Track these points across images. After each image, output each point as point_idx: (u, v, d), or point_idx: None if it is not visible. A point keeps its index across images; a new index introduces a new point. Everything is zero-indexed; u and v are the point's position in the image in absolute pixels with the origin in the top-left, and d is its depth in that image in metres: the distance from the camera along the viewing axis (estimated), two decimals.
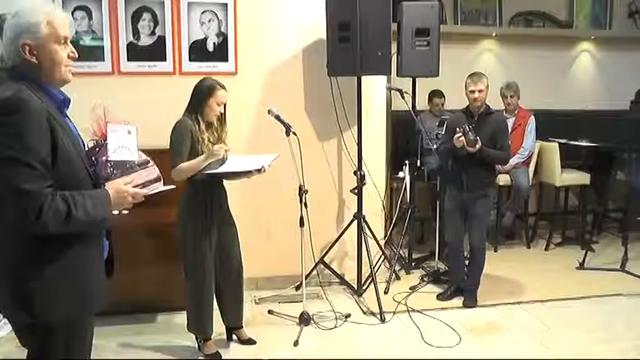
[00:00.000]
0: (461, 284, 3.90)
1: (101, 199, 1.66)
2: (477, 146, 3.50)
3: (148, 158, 1.83)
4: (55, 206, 1.54)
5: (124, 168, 1.77)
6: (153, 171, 1.83)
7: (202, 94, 2.94)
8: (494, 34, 5.73)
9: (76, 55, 1.72)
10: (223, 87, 2.98)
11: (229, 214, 3.13)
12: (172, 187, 1.90)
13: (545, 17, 5.89)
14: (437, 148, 4.05)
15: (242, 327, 3.29)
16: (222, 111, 3.01)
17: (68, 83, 1.73)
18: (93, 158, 1.76)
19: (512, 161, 4.92)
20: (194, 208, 2.97)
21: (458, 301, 3.84)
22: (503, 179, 4.94)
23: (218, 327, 3.22)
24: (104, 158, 1.77)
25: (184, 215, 2.99)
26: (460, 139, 3.50)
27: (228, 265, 3.13)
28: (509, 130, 4.93)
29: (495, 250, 4.99)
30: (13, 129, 1.50)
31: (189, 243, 2.98)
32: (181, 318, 3.23)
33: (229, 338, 3.30)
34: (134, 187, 1.76)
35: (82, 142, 1.80)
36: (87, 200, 1.61)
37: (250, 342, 3.26)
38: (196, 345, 3.17)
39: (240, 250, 3.18)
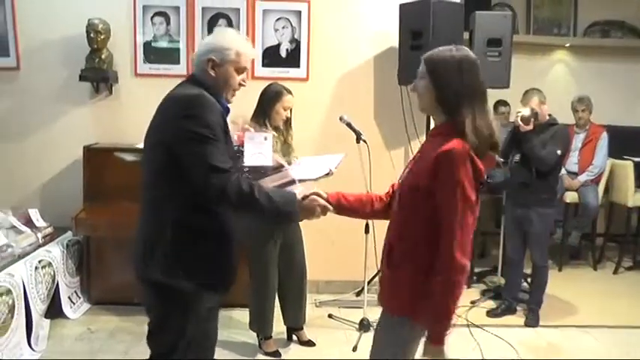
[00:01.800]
0: (514, 303, 3.83)
1: (285, 196, 1.90)
2: (529, 127, 3.48)
3: (283, 162, 1.98)
4: (239, 185, 1.77)
5: (259, 173, 1.93)
6: (287, 174, 1.98)
7: (269, 99, 3.02)
8: (567, 45, 5.57)
9: (246, 85, 1.99)
10: (290, 92, 3.04)
11: None
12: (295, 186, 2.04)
13: (624, 27, 5.65)
14: (504, 162, 3.99)
15: (303, 328, 3.35)
16: (289, 115, 3.08)
17: (229, 103, 2.00)
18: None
19: (581, 178, 4.78)
20: None
21: (517, 319, 3.76)
22: (570, 197, 4.79)
23: (279, 326, 3.31)
24: (243, 165, 1.97)
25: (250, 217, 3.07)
26: (518, 114, 3.53)
27: (292, 267, 3.19)
28: (580, 145, 4.84)
29: (560, 270, 4.84)
30: (201, 120, 1.78)
31: (253, 244, 3.06)
32: (242, 315, 3.34)
33: (289, 338, 3.36)
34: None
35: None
36: (271, 189, 1.85)
37: (310, 344, 3.32)
38: (257, 342, 3.25)
39: (304, 253, 3.24)
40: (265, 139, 2.02)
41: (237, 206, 1.83)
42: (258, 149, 2.00)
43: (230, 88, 1.94)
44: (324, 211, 1.92)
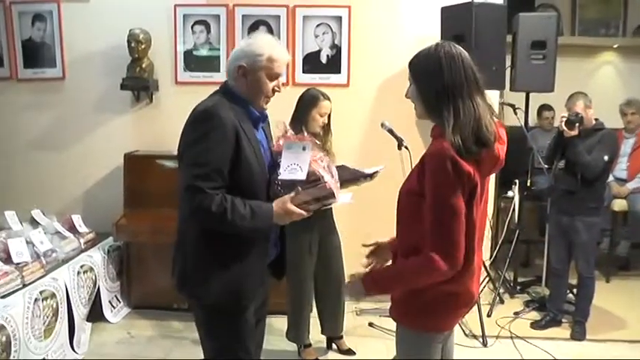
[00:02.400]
0: (558, 315, 3.69)
1: (263, 212, 1.81)
2: (573, 132, 3.36)
3: (320, 175, 1.86)
4: (209, 206, 1.72)
5: (293, 187, 1.84)
6: (324, 188, 1.87)
7: (305, 105, 2.98)
8: (615, 46, 5.36)
9: (280, 90, 1.94)
10: (327, 97, 2.99)
11: (333, 226, 3.16)
12: (349, 201, 1.96)
13: None
14: (548, 168, 3.85)
15: (342, 337, 3.30)
16: (326, 122, 3.03)
17: (263, 111, 1.96)
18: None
19: (631, 185, 4.58)
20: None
21: (563, 331, 3.62)
22: (618, 205, 4.59)
23: (319, 334, 3.28)
24: (274, 177, 1.88)
25: (287, 226, 3.04)
26: (562, 118, 3.41)
27: (329, 277, 3.16)
28: (629, 150, 4.64)
29: (607, 281, 4.62)
30: (198, 134, 1.77)
31: (290, 254, 3.03)
32: (282, 322, 3.30)
33: (329, 347, 3.33)
34: (303, 203, 1.84)
35: (271, 154, 1.99)
36: (247, 209, 1.77)
37: (350, 352, 3.27)
38: (296, 350, 3.22)
39: (343, 262, 3.19)
40: (304, 148, 1.88)
41: (208, 226, 1.81)
42: (295, 160, 1.87)
43: (262, 95, 1.89)
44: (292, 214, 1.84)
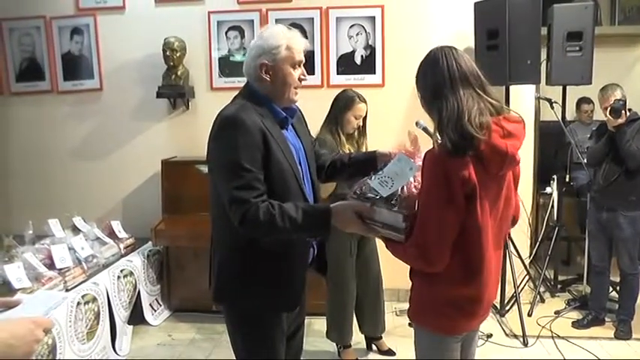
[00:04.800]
0: (601, 313, 3.57)
1: (317, 213, 1.72)
2: (620, 120, 3.23)
3: (403, 213, 1.63)
4: (257, 215, 1.64)
5: (368, 198, 1.71)
6: (399, 221, 1.62)
7: (341, 107, 2.97)
8: None
9: (306, 78, 1.86)
10: (363, 100, 2.97)
11: None
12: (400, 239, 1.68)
13: None
14: (587, 161, 3.74)
15: (382, 337, 3.29)
16: (361, 124, 3.01)
17: (294, 103, 1.87)
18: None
19: None
20: None
21: (606, 330, 3.50)
22: None
23: (358, 335, 3.27)
24: (366, 178, 1.76)
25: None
26: (607, 109, 3.28)
27: (367, 278, 3.15)
28: None
29: None
30: (228, 142, 1.69)
31: (330, 256, 3.03)
32: (322, 323, 3.30)
33: (369, 347, 3.31)
34: (371, 220, 1.69)
35: (305, 153, 1.92)
36: (298, 212, 1.67)
37: (390, 353, 3.25)
38: (336, 351, 3.23)
39: (379, 263, 3.18)
40: (410, 169, 1.67)
41: (257, 236, 1.73)
42: (394, 175, 1.67)
43: (290, 87, 1.80)
44: (359, 226, 1.70)
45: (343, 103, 2.97)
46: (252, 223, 1.65)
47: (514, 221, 1.82)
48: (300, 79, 1.81)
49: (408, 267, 1.75)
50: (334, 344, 3.23)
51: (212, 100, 4.04)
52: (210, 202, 1.84)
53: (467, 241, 1.58)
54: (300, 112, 2.02)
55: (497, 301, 3.80)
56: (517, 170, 1.71)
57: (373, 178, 1.72)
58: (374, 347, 3.31)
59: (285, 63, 1.77)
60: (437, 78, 1.61)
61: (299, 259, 1.86)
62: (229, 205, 1.67)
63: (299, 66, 1.81)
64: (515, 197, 1.76)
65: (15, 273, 2.78)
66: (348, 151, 2.95)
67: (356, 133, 3.05)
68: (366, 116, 3.03)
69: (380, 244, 3.16)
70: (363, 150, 3.06)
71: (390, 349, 3.27)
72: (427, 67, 1.66)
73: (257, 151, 1.69)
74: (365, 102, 2.99)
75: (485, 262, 1.61)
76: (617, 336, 3.43)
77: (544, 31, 3.73)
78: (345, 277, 3.05)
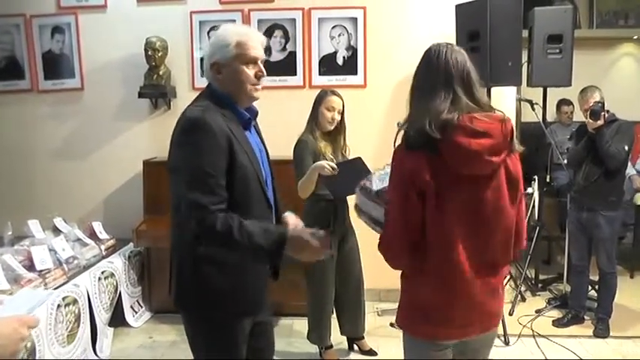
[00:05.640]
0: (581, 312, 3.63)
1: (273, 233, 1.66)
2: (599, 122, 3.28)
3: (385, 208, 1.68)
4: (214, 224, 1.59)
5: (367, 191, 1.77)
6: (381, 215, 1.68)
7: (315, 104, 2.99)
8: (635, 37, 5.26)
9: (264, 74, 1.78)
10: (336, 94, 2.97)
11: (351, 228, 3.15)
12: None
13: None
14: (567, 162, 3.79)
15: (363, 338, 3.29)
16: (337, 118, 2.98)
17: (255, 100, 1.82)
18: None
19: None
20: (316, 223, 2.98)
21: (585, 329, 3.56)
22: None
23: (340, 335, 3.28)
24: (374, 172, 1.82)
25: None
26: (587, 111, 3.33)
27: (348, 279, 3.15)
28: None
29: (631, 277, 4.55)
30: (192, 145, 1.63)
31: None
32: (303, 324, 3.31)
33: (350, 348, 3.32)
34: (361, 213, 1.77)
35: (267, 155, 1.89)
36: (256, 228, 1.62)
37: (371, 353, 3.26)
38: (318, 352, 3.21)
39: (361, 264, 3.18)
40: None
41: (212, 245, 1.65)
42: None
43: (245, 85, 1.74)
44: (316, 252, 1.67)
45: (317, 100, 2.99)
46: (209, 231, 1.60)
47: (517, 246, 1.67)
48: (257, 76, 1.75)
49: (389, 267, 1.75)
50: (316, 346, 3.22)
51: None
52: (171, 205, 1.75)
53: (431, 245, 1.55)
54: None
55: None
56: (514, 176, 1.60)
57: (377, 173, 1.76)
58: (355, 347, 3.31)
59: (236, 60, 1.72)
60: (417, 79, 1.63)
61: (259, 265, 1.82)
62: (187, 210, 1.62)
63: (254, 62, 1.75)
64: (518, 217, 1.63)
65: None
66: (324, 149, 2.95)
67: (333, 132, 3.02)
68: (343, 114, 3.01)
69: (362, 243, 3.19)
70: (340, 147, 3.05)
71: (371, 349, 3.28)
72: (420, 63, 1.67)
73: (221, 156, 1.64)
74: (339, 96, 2.98)
75: (454, 271, 1.56)
76: (596, 334, 3.49)
77: (525, 33, 3.78)
78: (324, 277, 3.05)
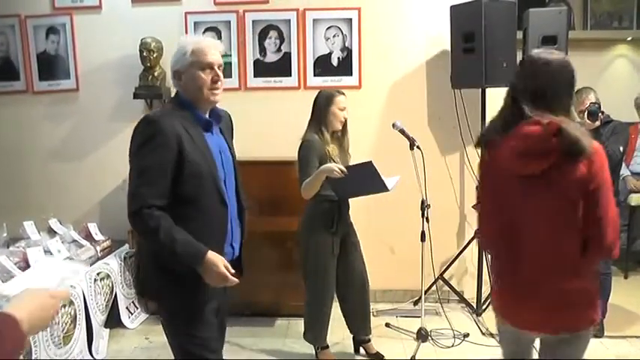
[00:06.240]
0: None
1: (194, 249, 1.80)
2: (597, 123, 3.28)
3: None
4: (147, 220, 1.76)
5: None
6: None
7: (323, 104, 2.97)
8: (629, 39, 5.28)
9: (220, 79, 1.92)
10: (342, 93, 3.00)
11: (352, 228, 3.15)
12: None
13: None
14: None
15: (370, 341, 3.26)
16: (346, 116, 3.00)
17: (215, 104, 1.96)
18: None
19: None
20: (320, 223, 2.99)
21: None
22: (636, 199, 4.51)
23: (344, 336, 3.31)
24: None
25: (308, 228, 3.03)
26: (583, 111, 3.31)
27: (352, 278, 3.13)
28: None
29: (625, 277, 4.56)
30: (141, 143, 1.81)
31: (310, 256, 3.03)
32: (300, 324, 3.30)
33: (357, 350, 3.30)
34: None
35: (232, 158, 2.02)
36: (182, 237, 1.78)
37: (378, 356, 3.23)
38: (314, 352, 3.21)
39: (365, 264, 3.18)
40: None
41: (139, 234, 1.91)
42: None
43: (202, 90, 1.88)
44: (224, 280, 1.81)
45: (324, 100, 2.97)
46: (140, 222, 1.78)
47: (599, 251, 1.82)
48: (213, 81, 1.88)
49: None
50: (312, 346, 3.21)
51: None
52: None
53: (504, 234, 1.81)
54: (231, 120, 2.14)
55: (473, 301, 3.86)
56: (591, 169, 1.74)
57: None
58: (362, 350, 3.29)
59: (193, 67, 1.87)
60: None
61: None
62: (129, 198, 1.79)
63: (209, 67, 1.88)
64: (593, 206, 1.74)
65: None
66: (332, 152, 2.96)
67: (340, 132, 3.03)
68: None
69: (364, 242, 3.19)
70: (346, 149, 3.07)
71: (378, 352, 3.24)
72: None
73: (168, 154, 1.78)
74: (344, 94, 3.00)
75: (527, 251, 1.77)
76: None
77: (519, 34, 3.79)
78: (325, 277, 3.03)
